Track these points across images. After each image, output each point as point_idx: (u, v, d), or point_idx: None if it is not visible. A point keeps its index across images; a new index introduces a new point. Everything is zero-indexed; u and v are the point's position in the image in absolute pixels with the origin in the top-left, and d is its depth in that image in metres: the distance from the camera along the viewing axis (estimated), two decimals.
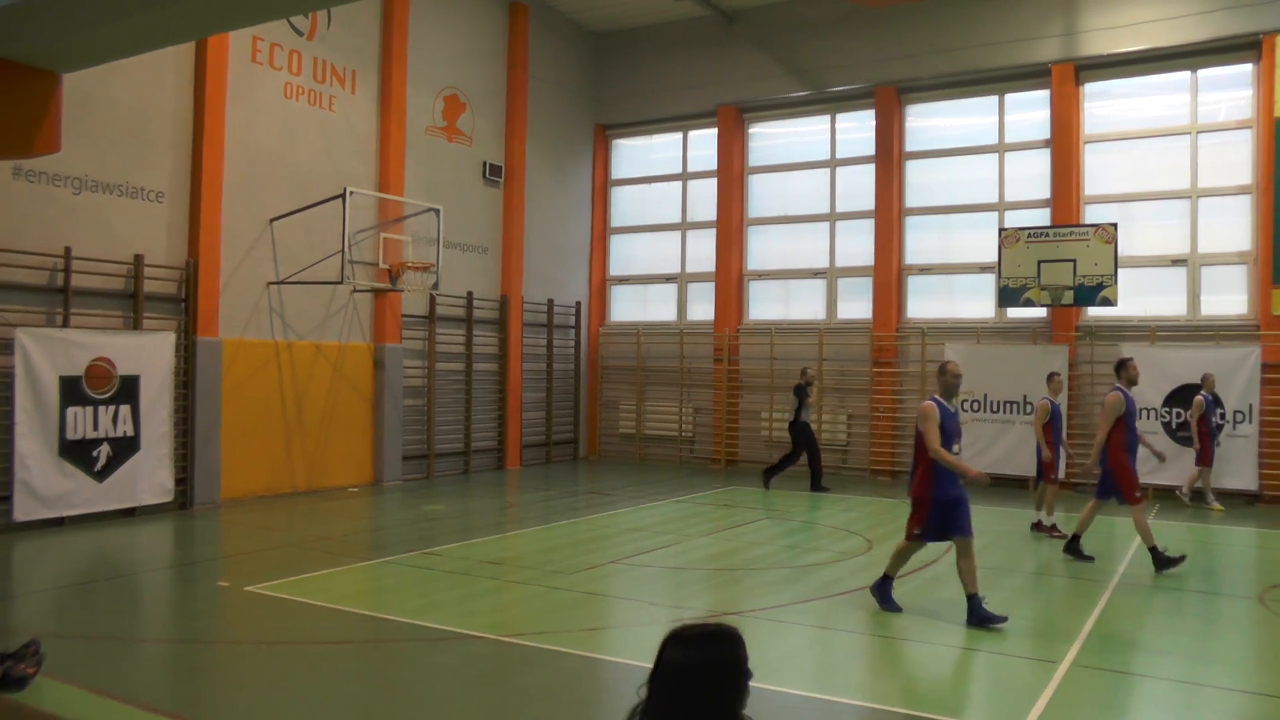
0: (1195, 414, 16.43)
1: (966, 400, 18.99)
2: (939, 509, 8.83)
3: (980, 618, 8.58)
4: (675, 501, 16.20)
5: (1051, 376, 14.10)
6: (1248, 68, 18.15)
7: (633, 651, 7.81)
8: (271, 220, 16.15)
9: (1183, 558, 11.11)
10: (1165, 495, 17.09)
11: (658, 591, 10.12)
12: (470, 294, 19.91)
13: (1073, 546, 11.78)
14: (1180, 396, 17.39)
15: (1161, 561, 11.05)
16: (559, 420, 22.50)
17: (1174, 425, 17.55)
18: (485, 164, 20.39)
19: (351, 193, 15.71)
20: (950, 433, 8.88)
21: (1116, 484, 11.19)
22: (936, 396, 9.12)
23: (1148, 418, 17.44)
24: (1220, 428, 16.79)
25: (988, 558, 12.16)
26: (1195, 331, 18.11)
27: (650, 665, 2.83)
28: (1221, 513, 16.01)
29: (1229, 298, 18.29)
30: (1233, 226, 18.28)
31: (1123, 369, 11.55)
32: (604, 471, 20.57)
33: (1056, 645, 8.13)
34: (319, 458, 16.89)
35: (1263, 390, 17.09)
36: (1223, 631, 9.05)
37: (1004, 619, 8.59)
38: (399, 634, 8.17)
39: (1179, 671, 7.75)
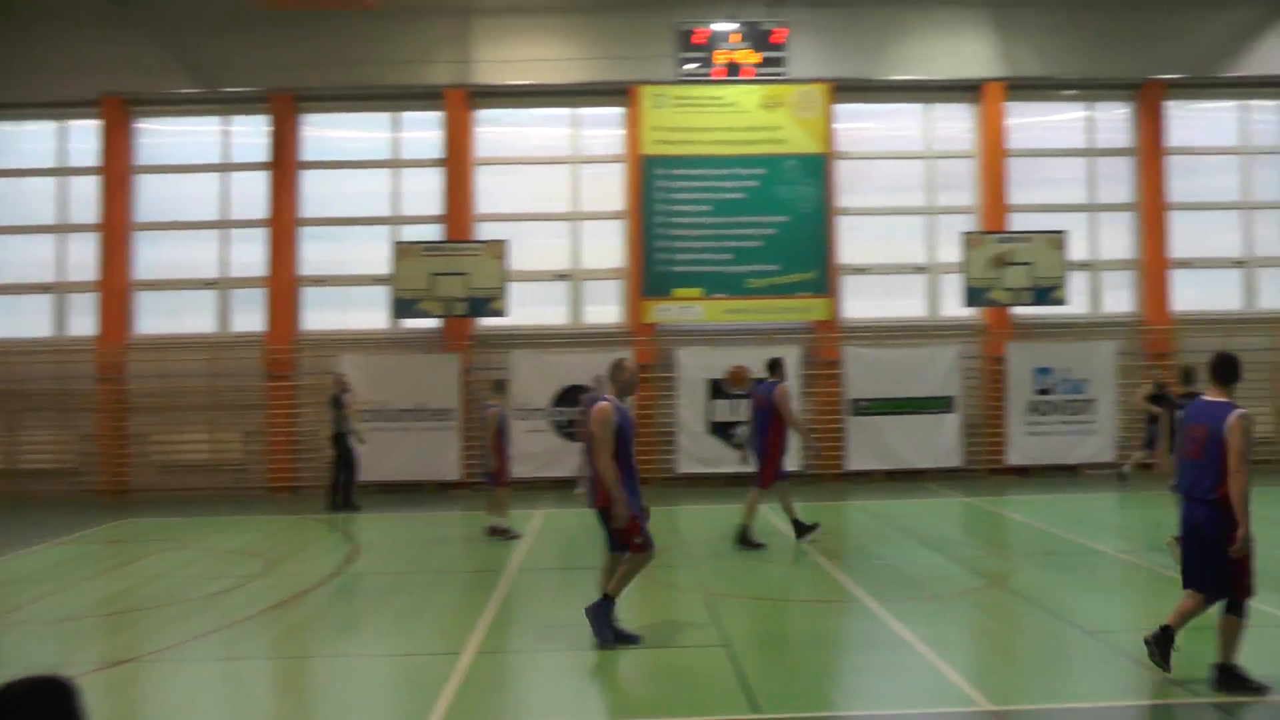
0: (582, 410, 18.18)
1: (364, 411, 19.23)
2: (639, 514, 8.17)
3: (604, 620, 8.20)
4: (58, 544, 14.40)
5: (500, 383, 14.37)
6: (619, 110, 20.45)
7: None
8: None
9: (763, 545, 12.37)
10: (562, 485, 18.55)
11: (37, 651, 8.82)
12: None
13: (744, 539, 12.34)
14: (567, 397, 19.09)
15: (802, 531, 12.46)
16: None
17: (563, 423, 19.17)
18: None
19: None
20: (629, 436, 8.22)
21: (763, 470, 12.32)
22: (609, 396, 8.29)
23: (537, 417, 19.09)
24: None
25: (390, 563, 12.48)
26: (578, 338, 19.92)
27: None
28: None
29: (606, 308, 20.40)
30: (608, 246, 20.44)
31: (778, 367, 12.65)
32: None
33: (459, 636, 8.51)
34: None
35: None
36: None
37: (637, 637, 8.26)
38: None
39: (571, 640, 8.38)
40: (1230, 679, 6.69)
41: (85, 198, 20.56)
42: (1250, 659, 6.83)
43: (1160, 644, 6.89)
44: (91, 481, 19.76)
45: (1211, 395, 6.90)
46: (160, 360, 19.84)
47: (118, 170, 20.29)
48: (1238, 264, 20.97)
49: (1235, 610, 6.70)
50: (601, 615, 8.18)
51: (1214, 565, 6.71)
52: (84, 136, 20.72)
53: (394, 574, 11.74)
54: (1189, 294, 20.65)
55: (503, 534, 13.71)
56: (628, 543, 8.19)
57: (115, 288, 20.09)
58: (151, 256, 20.69)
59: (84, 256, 20.45)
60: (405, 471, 18.96)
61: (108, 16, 19.99)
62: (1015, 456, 19.63)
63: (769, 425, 12.49)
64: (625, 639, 8.23)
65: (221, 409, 19.85)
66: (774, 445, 12.49)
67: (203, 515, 16.94)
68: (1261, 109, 21.22)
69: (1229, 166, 21.17)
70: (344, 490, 17.05)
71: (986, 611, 9.32)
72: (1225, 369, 6.92)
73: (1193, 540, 6.84)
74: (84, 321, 20.39)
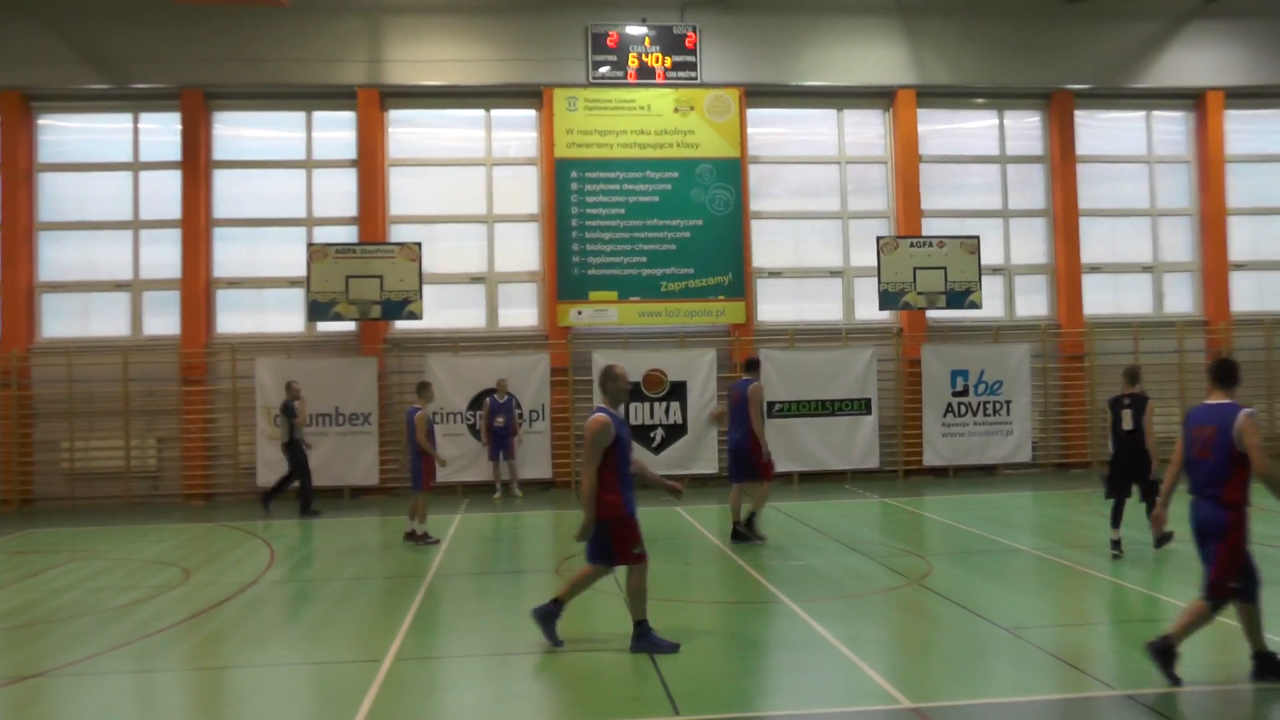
0: (484, 415, 18.55)
1: (279, 418, 18.87)
2: (634, 522, 7.98)
3: (548, 622, 8.14)
4: None
5: (423, 386, 14.08)
6: (533, 113, 20.48)
7: None
8: None
9: (764, 538, 12.89)
10: (478, 490, 18.72)
11: None
12: None
13: (748, 528, 12.77)
14: (482, 401, 18.97)
15: (739, 535, 12.81)
16: None
17: (477, 427, 19.08)
18: None
19: None
20: (627, 444, 8.02)
21: (755, 465, 12.69)
22: (605, 406, 8.06)
23: (453, 421, 18.91)
24: (513, 427, 18.58)
25: (309, 571, 12.32)
26: (494, 342, 19.86)
27: None
28: (511, 499, 18.17)
29: (522, 311, 20.33)
30: (524, 249, 20.43)
31: (755, 366, 13.17)
32: None
33: (379, 644, 8.40)
34: None
35: (552, 392, 19.23)
36: (526, 603, 9.90)
37: (560, 642, 8.11)
38: None
39: (491, 645, 8.41)
40: (1162, 655, 6.80)
41: None
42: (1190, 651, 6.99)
43: (1263, 666, 6.92)
44: None
45: (1214, 398, 7.06)
46: (68, 364, 19.23)
47: (18, 167, 19.62)
48: (1146, 269, 21.58)
49: (1212, 600, 6.82)
50: (647, 638, 8.00)
51: (1208, 558, 6.84)
52: None
53: (312, 581, 11.57)
54: (1100, 298, 21.26)
55: (422, 539, 13.55)
56: (624, 555, 7.99)
57: (17, 289, 19.42)
58: (57, 257, 20.09)
59: None
60: (322, 477, 18.42)
61: (5, 6, 19.35)
62: (932, 457, 19.95)
63: (746, 421, 12.75)
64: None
65: (134, 415, 19.34)
66: (757, 440, 12.74)
67: (114, 525, 16.55)
68: (1166, 119, 21.88)
69: (1136, 174, 21.79)
70: (302, 496, 16.92)
71: (905, 610, 9.43)
72: (1226, 372, 7.11)
73: (1198, 537, 6.96)
74: None
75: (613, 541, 7.98)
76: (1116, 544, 11.42)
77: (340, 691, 7.30)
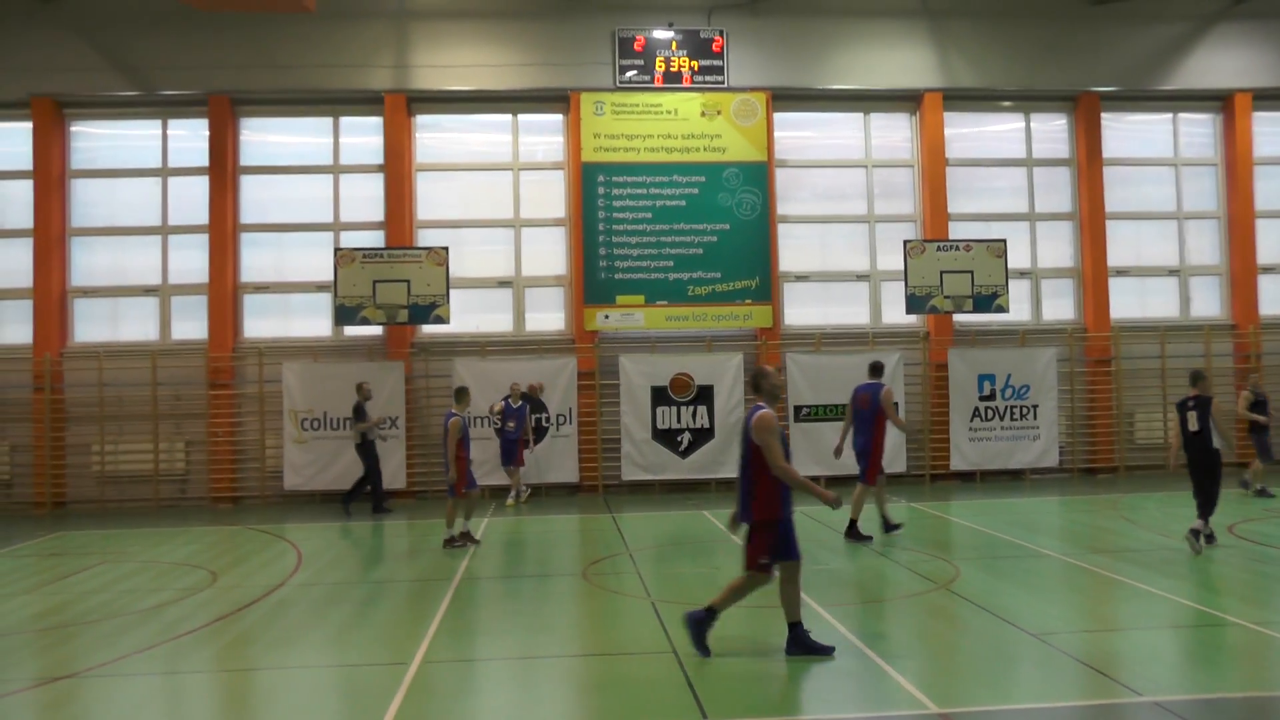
0: (496, 418, 18.51)
1: (306, 420, 19.01)
2: (784, 529, 8.01)
3: (806, 647, 7.95)
4: None
5: (460, 391, 14.01)
6: (559, 117, 20.52)
7: None
8: None
9: (870, 538, 13.24)
10: (506, 494, 18.70)
11: None
12: None
13: (853, 532, 13.21)
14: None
15: (855, 534, 13.21)
16: None
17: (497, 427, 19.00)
18: None
19: None
20: (788, 443, 8.15)
21: (863, 469, 13.29)
22: (763, 404, 8.05)
23: (480, 425, 18.89)
24: (523, 434, 18.47)
25: (335, 574, 12.36)
26: (521, 346, 19.88)
27: None
28: (513, 506, 18.00)
29: (549, 315, 20.37)
30: (551, 253, 20.45)
31: (880, 370, 13.60)
32: None
33: (406, 646, 8.45)
34: None
35: (579, 396, 19.25)
36: (554, 607, 10.04)
37: (831, 648, 7.97)
38: None
39: (519, 649, 8.45)
40: None
41: (17, 202, 20.06)
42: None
43: None
44: (25, 494, 19.28)
45: None
46: (98, 368, 19.40)
47: (51, 174, 19.80)
48: (1173, 272, 21.43)
49: None
50: (705, 625, 8.02)
51: None
52: (14, 139, 20.15)
53: (339, 584, 11.61)
54: (1127, 302, 21.13)
55: (449, 543, 13.55)
56: (752, 559, 7.98)
57: (50, 294, 19.60)
58: (88, 262, 20.26)
59: (17, 263, 19.92)
60: (349, 480, 18.48)
61: (36, 15, 19.58)
62: (959, 462, 19.86)
63: (873, 425, 13.12)
64: (819, 649, 8.02)
65: (162, 418, 19.50)
66: (878, 444, 13.22)
67: (143, 527, 16.68)
68: (1192, 121, 21.72)
69: (1163, 177, 21.64)
70: (374, 495, 17.39)
71: (932, 615, 9.40)
72: None
73: None
74: (18, 329, 19.87)
75: (752, 541, 8.04)
76: (1196, 534, 11.56)
77: (368, 694, 7.34)
